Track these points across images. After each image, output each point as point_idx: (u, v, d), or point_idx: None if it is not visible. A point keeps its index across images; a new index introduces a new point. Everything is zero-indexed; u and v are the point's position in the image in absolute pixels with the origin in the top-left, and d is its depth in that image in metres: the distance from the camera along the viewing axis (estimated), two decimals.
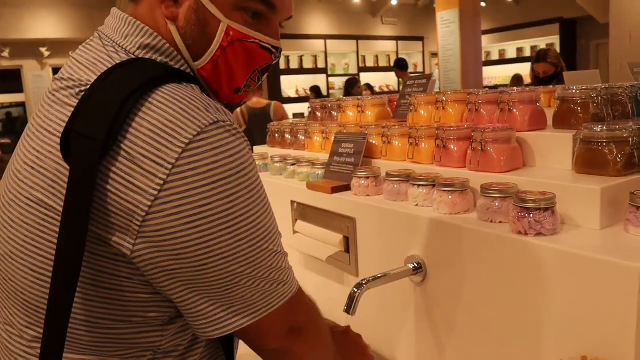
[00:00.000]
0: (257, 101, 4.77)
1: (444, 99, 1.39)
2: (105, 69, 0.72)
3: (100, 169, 0.66)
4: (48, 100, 0.76)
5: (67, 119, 0.69)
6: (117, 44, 0.77)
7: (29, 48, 8.84)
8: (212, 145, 0.67)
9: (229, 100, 0.87)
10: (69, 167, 0.67)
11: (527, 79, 10.33)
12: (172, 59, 0.79)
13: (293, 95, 10.62)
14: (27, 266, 0.72)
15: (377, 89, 11.37)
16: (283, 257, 0.76)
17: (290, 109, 7.72)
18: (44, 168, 0.71)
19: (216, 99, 0.84)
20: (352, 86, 7.64)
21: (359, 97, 1.82)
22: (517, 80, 8.27)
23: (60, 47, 9.02)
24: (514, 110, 1.22)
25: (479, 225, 1.00)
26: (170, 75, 0.73)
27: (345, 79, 11.41)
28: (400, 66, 7.55)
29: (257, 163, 1.87)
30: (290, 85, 10.84)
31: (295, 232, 1.55)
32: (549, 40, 10.46)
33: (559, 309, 0.87)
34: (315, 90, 8.70)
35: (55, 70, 9.22)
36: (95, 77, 0.71)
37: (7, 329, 0.77)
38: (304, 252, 1.51)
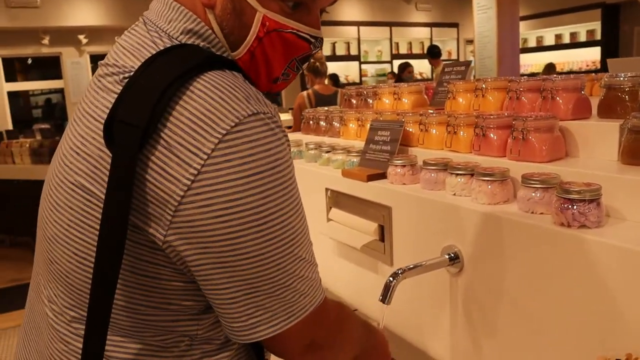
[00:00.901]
0: (325, 87, 4.74)
1: (484, 86, 1.35)
2: (149, 54, 0.72)
3: (140, 157, 0.66)
4: (94, 86, 0.76)
5: (110, 106, 0.69)
6: (160, 28, 0.77)
7: (68, 35, 9.03)
8: (250, 138, 0.66)
9: (268, 89, 0.85)
10: (111, 155, 0.68)
11: (563, 67, 10.05)
12: (214, 45, 0.78)
13: (325, 81, 10.59)
14: (72, 250, 0.73)
15: None
16: (310, 266, 0.74)
17: None
18: (87, 154, 0.71)
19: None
20: (402, 70, 7.55)
21: (395, 84, 1.80)
22: (549, 68, 8.04)
23: (97, 34, 9.19)
24: (557, 98, 1.18)
25: (520, 216, 0.97)
26: (213, 62, 0.72)
27: (377, 66, 11.34)
28: (432, 54, 7.45)
29: (291, 150, 1.88)
30: None
31: (329, 219, 1.55)
32: (590, 26, 10.15)
33: (604, 304, 0.84)
34: (333, 78, 8.47)
35: (93, 57, 9.43)
36: (139, 64, 0.71)
37: (51, 307, 0.79)
38: (338, 240, 1.51)
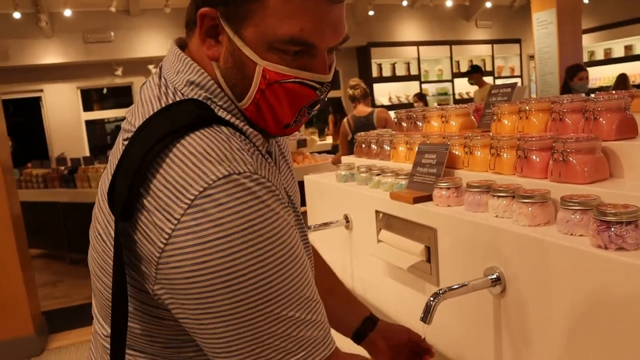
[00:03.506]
0: (362, 109, 4.76)
1: (527, 108, 1.37)
2: (152, 112, 0.77)
3: (132, 219, 0.72)
4: (118, 139, 0.82)
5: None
6: (168, 80, 0.81)
7: (138, 66, 9.60)
8: (218, 202, 0.66)
9: (280, 134, 0.86)
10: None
11: (635, 79, 9.57)
12: (216, 95, 0.80)
13: (386, 102, 10.64)
14: (101, 286, 0.83)
15: (472, 95, 11.09)
16: (303, 324, 0.71)
17: None
18: (104, 211, 0.79)
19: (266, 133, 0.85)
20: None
21: (444, 107, 1.83)
22: (622, 80, 7.66)
23: None
24: (600, 118, 1.18)
25: (558, 238, 0.99)
26: (197, 122, 0.73)
27: (438, 85, 11.26)
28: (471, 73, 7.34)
29: (343, 173, 1.94)
30: (383, 92, 10.87)
31: (379, 241, 1.59)
32: None
33: None
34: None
35: None
36: (141, 122, 0.76)
37: (98, 325, 0.90)
38: (386, 260, 1.55)
